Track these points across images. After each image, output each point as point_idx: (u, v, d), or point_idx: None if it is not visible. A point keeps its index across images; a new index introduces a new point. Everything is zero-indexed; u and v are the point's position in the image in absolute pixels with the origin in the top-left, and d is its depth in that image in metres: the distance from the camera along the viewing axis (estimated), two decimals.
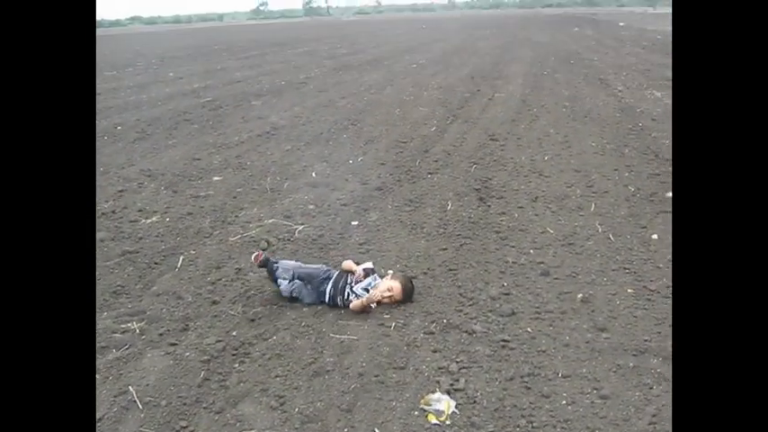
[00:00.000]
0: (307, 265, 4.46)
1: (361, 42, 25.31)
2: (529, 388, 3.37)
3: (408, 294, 4.26)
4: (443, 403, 3.23)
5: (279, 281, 4.33)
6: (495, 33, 27.85)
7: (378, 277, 4.36)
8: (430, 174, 7.28)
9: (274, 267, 4.35)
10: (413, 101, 11.95)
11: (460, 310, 4.17)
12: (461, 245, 5.22)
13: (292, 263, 4.45)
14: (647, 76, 14.48)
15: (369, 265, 4.46)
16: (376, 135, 9.25)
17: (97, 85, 13.97)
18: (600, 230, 5.46)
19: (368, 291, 4.23)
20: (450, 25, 33.43)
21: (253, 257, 4.47)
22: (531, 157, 7.89)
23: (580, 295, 4.32)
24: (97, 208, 6.12)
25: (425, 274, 4.71)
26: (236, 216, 5.92)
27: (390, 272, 4.51)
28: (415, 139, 8.93)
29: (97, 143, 8.82)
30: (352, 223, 5.75)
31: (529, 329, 3.93)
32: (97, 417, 3.16)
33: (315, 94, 12.85)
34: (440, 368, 3.54)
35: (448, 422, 3.11)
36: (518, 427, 3.08)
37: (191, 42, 25.83)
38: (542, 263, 4.84)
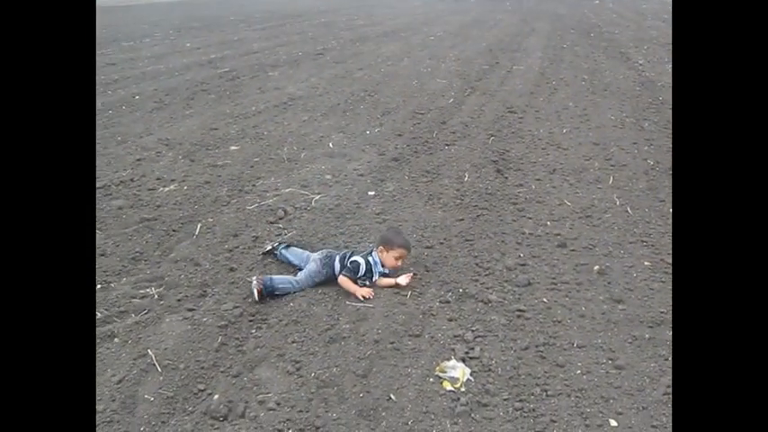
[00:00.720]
0: (299, 275, 4.17)
1: (378, 14, 25.06)
2: (544, 357, 3.39)
3: (408, 245, 4.24)
4: (458, 370, 3.25)
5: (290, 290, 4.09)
6: (515, 6, 27.48)
7: (373, 257, 4.15)
8: (447, 145, 7.25)
9: (275, 289, 4.03)
10: (430, 73, 11.86)
11: (476, 280, 4.18)
12: (478, 216, 5.22)
13: (286, 277, 4.16)
14: (669, 49, 14.26)
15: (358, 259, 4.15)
16: (393, 106, 9.21)
17: (114, 56, 13.98)
18: (618, 203, 5.43)
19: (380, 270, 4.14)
20: None
21: (256, 296, 3.97)
22: (549, 129, 7.83)
23: (597, 267, 4.32)
24: (115, 176, 6.16)
25: (442, 244, 4.72)
26: (254, 185, 5.94)
27: (378, 247, 4.22)
28: (433, 111, 8.89)
29: (115, 112, 8.85)
30: (369, 193, 5.75)
31: (545, 300, 3.94)
32: (117, 378, 3.22)
33: (332, 66, 12.78)
34: (455, 336, 3.56)
35: (463, 389, 3.14)
36: (532, 395, 3.10)
37: (207, 13, 25.69)
38: (559, 234, 4.83)
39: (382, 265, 4.13)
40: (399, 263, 4.13)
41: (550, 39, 16.13)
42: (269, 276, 4.10)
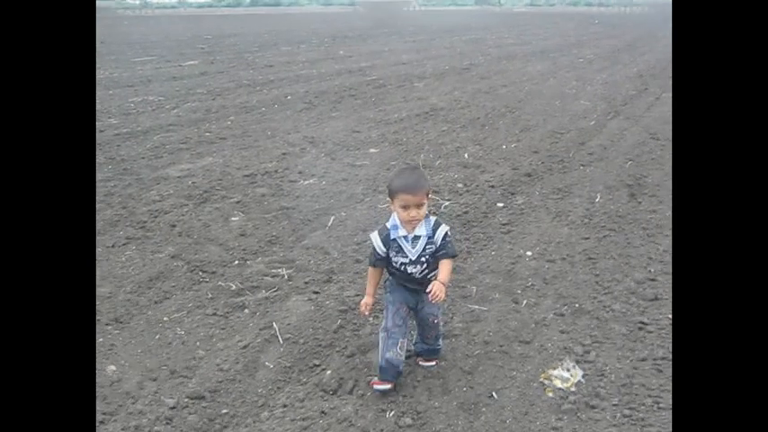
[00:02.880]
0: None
1: (528, 33, 24.95)
2: (660, 371, 3.35)
3: (408, 186, 2.97)
4: (571, 371, 3.30)
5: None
6: (670, 32, 26.44)
7: (392, 221, 3.08)
8: (582, 165, 7.18)
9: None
10: (575, 94, 11.71)
11: (594, 297, 4.17)
12: (604, 236, 5.17)
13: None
14: None
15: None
16: (533, 124, 9.21)
17: (273, 59, 14.87)
18: None
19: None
20: (625, 21, 32.08)
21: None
22: None
23: None
24: (262, 166, 6.62)
25: (563, 259, 4.73)
26: (387, 186, 6.19)
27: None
28: (572, 131, 8.80)
29: (268, 110, 9.46)
30: (498, 204, 5.84)
31: (670, 316, 3.86)
32: (243, 344, 3.53)
33: (476, 81, 12.92)
34: (565, 348, 3.59)
35: (573, 389, 3.18)
36: (643, 405, 3.08)
37: (362, 24, 26.67)
38: None
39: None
40: (413, 213, 2.96)
41: None
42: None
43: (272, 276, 4.35)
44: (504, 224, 5.38)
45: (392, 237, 3.03)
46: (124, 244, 4.68)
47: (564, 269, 4.59)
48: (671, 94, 11.64)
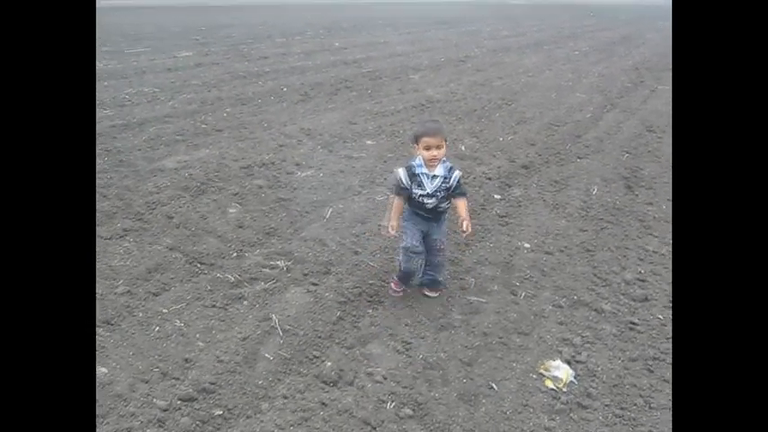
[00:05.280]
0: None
1: (524, 25, 24.91)
2: (651, 371, 3.38)
3: (431, 130, 3.68)
4: (562, 371, 3.31)
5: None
6: (668, 25, 26.42)
7: (416, 161, 3.75)
8: (579, 158, 7.19)
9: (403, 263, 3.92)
10: (570, 86, 11.71)
11: (592, 290, 4.20)
12: (602, 228, 5.19)
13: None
14: None
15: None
16: (529, 116, 9.21)
17: (268, 50, 14.79)
18: None
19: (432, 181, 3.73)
20: (620, 14, 32.07)
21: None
22: None
23: None
24: (259, 158, 6.60)
25: (561, 251, 4.75)
26: (384, 178, 6.18)
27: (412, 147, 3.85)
28: (569, 124, 8.81)
29: (264, 101, 9.42)
30: (495, 196, 5.85)
31: (660, 316, 3.89)
32: (242, 336, 3.52)
33: (472, 73, 12.90)
34: (564, 339, 3.62)
35: (564, 389, 3.19)
36: (635, 405, 3.11)
37: (356, 14, 26.57)
38: None
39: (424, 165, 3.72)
40: (434, 152, 3.62)
41: None
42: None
43: (271, 268, 4.35)
44: (501, 216, 5.39)
45: (416, 172, 3.70)
46: (121, 236, 4.66)
47: (562, 261, 4.61)
48: (667, 87, 11.69)
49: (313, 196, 5.64)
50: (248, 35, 17.66)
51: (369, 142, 7.50)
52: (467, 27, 23.29)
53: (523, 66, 14.11)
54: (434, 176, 3.71)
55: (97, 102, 8.62)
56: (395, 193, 3.81)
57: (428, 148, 3.63)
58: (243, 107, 8.95)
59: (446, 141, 3.71)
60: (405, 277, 3.99)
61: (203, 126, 7.82)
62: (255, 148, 6.96)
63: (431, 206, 3.78)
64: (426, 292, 4.05)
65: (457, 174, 3.76)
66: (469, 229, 3.70)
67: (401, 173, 3.74)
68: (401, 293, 4.03)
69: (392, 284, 4.07)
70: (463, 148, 7.40)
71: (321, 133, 7.73)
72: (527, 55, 16.01)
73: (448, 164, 3.77)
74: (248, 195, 5.57)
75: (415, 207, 3.83)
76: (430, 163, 3.67)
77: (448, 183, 3.74)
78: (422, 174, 3.70)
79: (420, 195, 3.75)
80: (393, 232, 3.83)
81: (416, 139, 3.69)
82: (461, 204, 3.79)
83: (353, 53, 14.90)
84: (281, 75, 11.63)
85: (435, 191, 3.73)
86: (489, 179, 6.29)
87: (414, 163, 3.73)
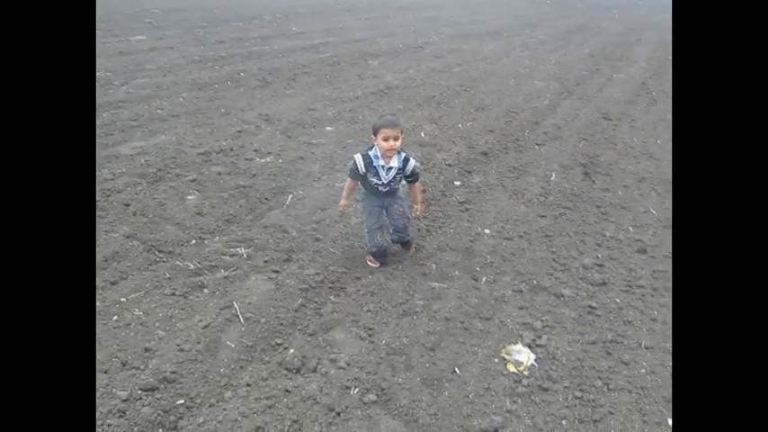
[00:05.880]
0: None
1: (482, 13, 24.98)
2: (609, 353, 3.45)
3: (389, 122, 3.84)
4: (524, 355, 3.36)
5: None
6: (623, 15, 26.79)
7: (373, 151, 3.95)
8: (537, 145, 7.27)
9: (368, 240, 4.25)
10: (528, 74, 11.81)
11: (551, 274, 4.25)
12: (560, 214, 5.26)
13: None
14: None
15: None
16: (488, 103, 9.26)
17: (224, 35, 14.55)
18: None
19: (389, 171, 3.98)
20: (577, 3, 32.39)
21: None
22: (643, 139, 7.71)
23: None
24: (216, 144, 6.51)
25: (521, 237, 4.80)
26: (345, 164, 6.14)
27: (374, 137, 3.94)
28: (527, 111, 8.89)
29: (221, 87, 9.28)
30: (455, 183, 5.87)
31: (618, 300, 3.97)
32: (204, 324, 3.48)
33: (431, 59, 12.90)
34: (524, 324, 3.66)
35: (526, 372, 3.24)
36: (594, 386, 3.17)
37: (314, 1, 26.30)
38: (640, 240, 4.82)
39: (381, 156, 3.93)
40: (391, 143, 3.81)
41: (657, 50, 15.70)
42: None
43: (231, 255, 4.30)
44: (461, 202, 5.42)
45: (374, 164, 3.93)
46: None
47: (521, 246, 4.66)
48: (622, 76, 11.87)
49: (273, 183, 5.59)
50: (203, 19, 17.34)
51: (328, 128, 7.45)
52: (426, 13, 23.27)
53: (482, 53, 14.17)
54: (390, 168, 3.96)
55: None
56: (350, 177, 4.07)
57: (386, 139, 3.82)
58: (199, 92, 8.80)
59: (403, 133, 3.90)
60: (377, 253, 4.27)
61: (159, 111, 7.67)
62: (213, 134, 6.86)
63: (384, 191, 4.08)
64: (404, 249, 4.50)
65: (412, 163, 4.02)
66: (422, 214, 4.25)
67: (359, 159, 3.95)
68: (379, 265, 4.29)
69: (368, 260, 4.34)
70: (423, 134, 7.41)
71: (280, 119, 7.66)
72: (486, 42, 16.08)
73: (403, 155, 3.99)
74: (207, 182, 5.49)
75: (369, 190, 4.12)
76: (387, 153, 3.88)
77: (403, 173, 4.03)
78: (378, 166, 3.95)
79: (375, 183, 4.03)
80: (344, 211, 4.30)
81: (375, 131, 3.86)
82: (417, 190, 4.25)
83: (311, 38, 14.76)
84: (237, 60, 11.47)
85: (390, 181, 4.02)
86: (449, 165, 6.31)
87: (371, 153, 3.94)
